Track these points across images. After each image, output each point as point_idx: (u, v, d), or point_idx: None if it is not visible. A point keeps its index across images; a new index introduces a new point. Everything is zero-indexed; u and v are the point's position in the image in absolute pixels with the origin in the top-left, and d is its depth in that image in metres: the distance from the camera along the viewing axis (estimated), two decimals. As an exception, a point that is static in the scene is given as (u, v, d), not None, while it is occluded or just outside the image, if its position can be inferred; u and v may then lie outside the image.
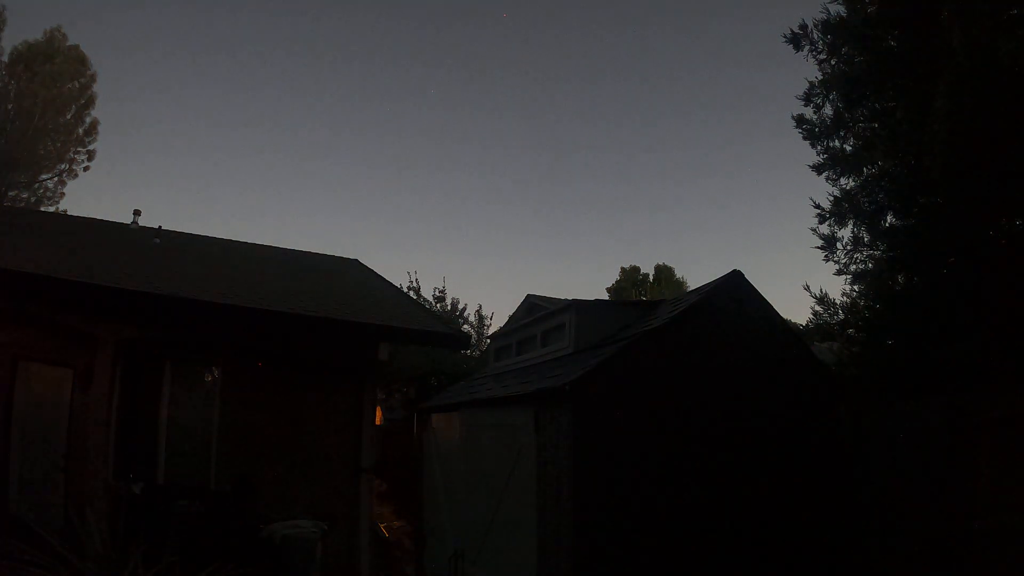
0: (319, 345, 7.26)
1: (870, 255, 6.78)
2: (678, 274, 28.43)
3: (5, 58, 18.82)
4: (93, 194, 35.37)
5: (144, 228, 10.16)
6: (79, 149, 20.45)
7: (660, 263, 28.74)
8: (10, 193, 19.26)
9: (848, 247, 6.86)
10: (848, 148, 6.86)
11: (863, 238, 6.75)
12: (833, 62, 6.64)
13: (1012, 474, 3.46)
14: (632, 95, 37.47)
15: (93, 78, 20.38)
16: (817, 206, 6.96)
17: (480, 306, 26.05)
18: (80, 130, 20.39)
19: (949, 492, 3.74)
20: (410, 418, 14.86)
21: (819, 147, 7.04)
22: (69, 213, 16.20)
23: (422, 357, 14.60)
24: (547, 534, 3.68)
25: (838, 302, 7.23)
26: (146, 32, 29.88)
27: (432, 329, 7.61)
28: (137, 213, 10.39)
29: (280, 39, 31.27)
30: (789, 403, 4.14)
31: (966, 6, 3.98)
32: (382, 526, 11.47)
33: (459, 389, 6.77)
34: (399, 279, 20.98)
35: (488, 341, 10.64)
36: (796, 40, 6.62)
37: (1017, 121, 4.29)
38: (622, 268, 29.41)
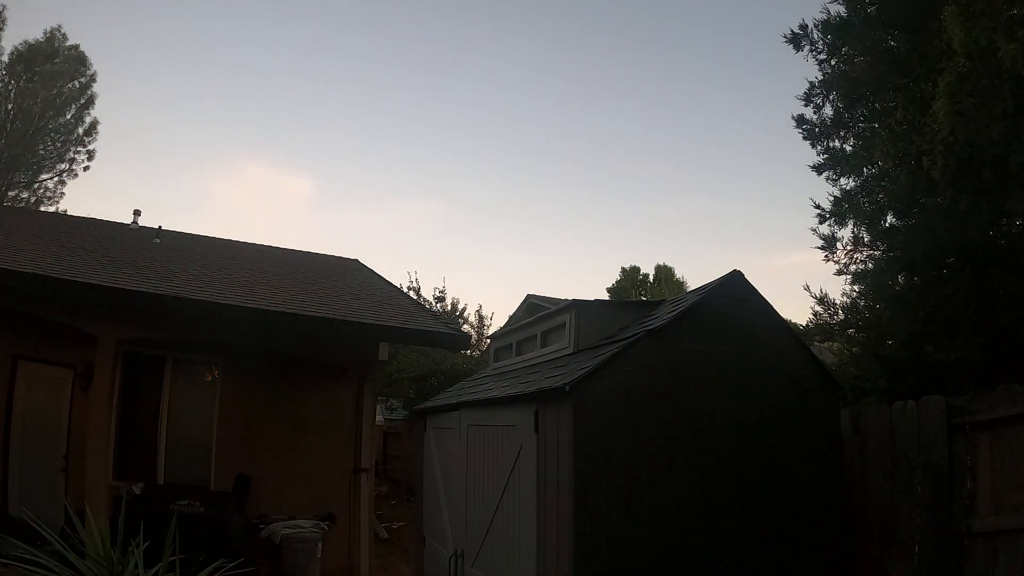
0: (319, 345, 7.27)
1: (870, 255, 6.78)
2: (678, 274, 28.49)
3: (5, 58, 18.83)
4: (93, 194, 35.33)
5: (144, 228, 10.18)
6: (79, 149, 20.45)
7: (660, 263, 28.81)
8: (10, 193, 19.26)
9: (848, 247, 6.86)
10: (848, 148, 6.86)
11: (863, 238, 6.75)
12: (833, 62, 6.64)
13: (1012, 474, 3.46)
14: (632, 95, 37.50)
15: (93, 78, 20.39)
16: (817, 206, 6.96)
17: (480, 306, 26.13)
18: (80, 130, 20.39)
19: (949, 492, 3.74)
20: (410, 418, 14.88)
21: (819, 147, 7.03)
22: (69, 213, 16.19)
23: (422, 357, 14.62)
24: (546, 535, 3.68)
25: (838, 302, 7.23)
26: (146, 32, 29.90)
27: (432, 329, 7.63)
28: (137, 213, 10.43)
29: (279, 37, 31.30)
30: (789, 403, 4.13)
31: (966, 6, 3.98)
32: (382, 526, 11.48)
33: (459, 389, 6.77)
34: (399, 279, 21.05)
35: (488, 341, 10.64)
36: (796, 40, 6.62)
37: (1017, 122, 4.29)
38: (622, 268, 29.47)
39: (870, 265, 6.76)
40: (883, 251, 6.57)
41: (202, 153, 34.54)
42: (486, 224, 45.22)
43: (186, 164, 34.64)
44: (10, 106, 18.83)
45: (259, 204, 37.94)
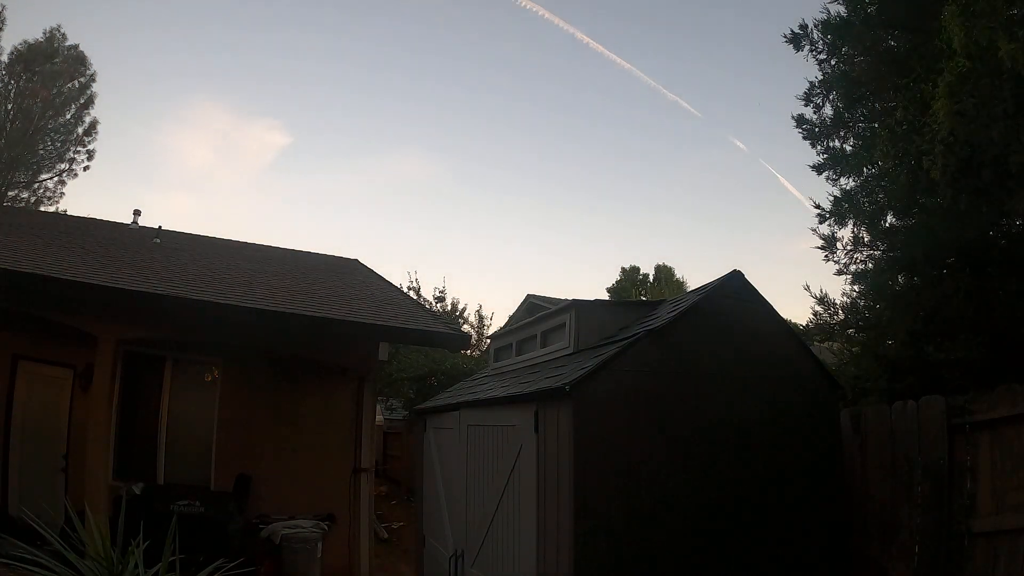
0: (319, 345, 7.26)
1: (870, 255, 6.78)
2: (678, 274, 28.52)
3: (5, 58, 18.85)
4: (93, 194, 35.22)
5: (144, 228, 10.17)
6: (79, 149, 20.48)
7: (660, 263, 28.84)
8: (10, 193, 19.27)
9: (848, 247, 6.86)
10: (848, 148, 6.86)
11: (863, 238, 6.75)
12: (833, 62, 6.63)
13: (1012, 474, 3.46)
14: (632, 94, 37.50)
15: (93, 78, 20.42)
16: (817, 206, 6.96)
17: (480, 306, 26.16)
18: (80, 130, 20.42)
19: (949, 492, 3.74)
20: (410, 418, 14.89)
21: (819, 147, 7.03)
22: (69, 213, 16.19)
23: (422, 357, 14.62)
24: (546, 534, 3.68)
25: (838, 302, 7.24)
26: (146, 31, 29.88)
27: (432, 329, 7.62)
28: (137, 213, 10.43)
29: (278, 37, 31.29)
30: (789, 402, 4.13)
31: (966, 6, 3.98)
32: (382, 526, 11.48)
33: (459, 389, 6.77)
34: (399, 279, 21.08)
35: (488, 341, 10.64)
36: (796, 40, 6.61)
37: (1017, 122, 4.29)
38: (622, 268, 29.51)
39: (870, 265, 6.76)
40: (883, 251, 6.57)
41: (202, 152, 34.24)
42: (486, 224, 45.25)
43: (186, 164, 34.39)
44: (10, 106, 18.85)
45: (259, 204, 37.51)
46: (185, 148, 32.39)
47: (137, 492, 6.57)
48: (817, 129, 6.96)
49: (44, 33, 19.69)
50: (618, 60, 34.56)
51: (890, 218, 6.53)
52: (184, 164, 33.53)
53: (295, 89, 33.58)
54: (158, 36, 30.54)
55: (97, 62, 20.59)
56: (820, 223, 6.96)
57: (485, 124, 39.10)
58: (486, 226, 44.40)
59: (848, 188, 6.83)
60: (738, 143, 37.95)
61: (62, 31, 19.96)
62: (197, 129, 32.54)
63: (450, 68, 33.95)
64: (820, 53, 6.60)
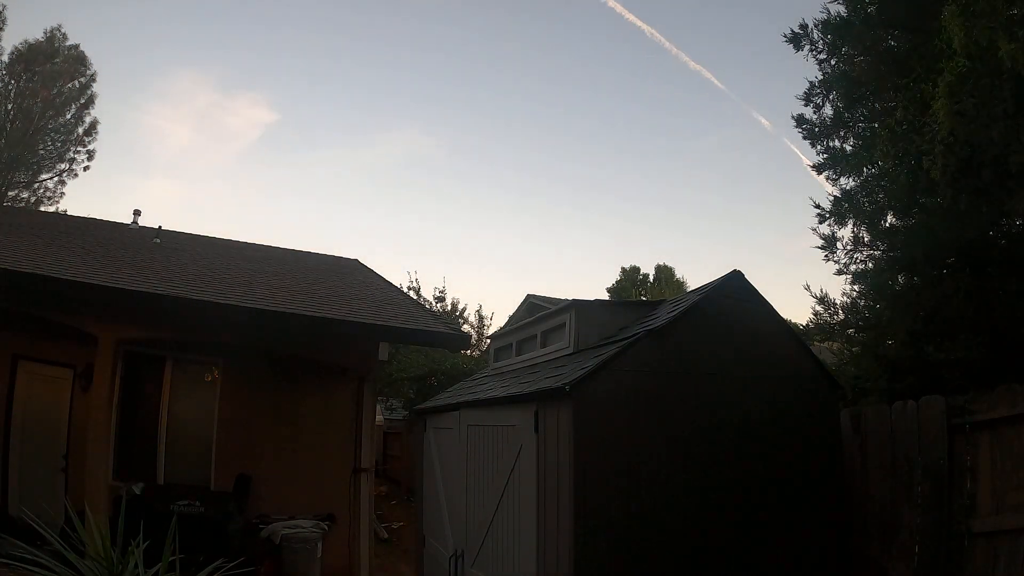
0: (319, 345, 7.26)
1: (870, 255, 6.79)
2: (678, 274, 28.54)
3: (5, 58, 18.83)
4: (93, 194, 35.15)
5: (144, 228, 10.17)
6: (79, 149, 20.47)
7: (660, 263, 28.86)
8: (10, 193, 19.26)
9: (848, 247, 6.87)
10: (848, 148, 6.86)
11: (863, 238, 6.75)
12: (833, 62, 6.64)
13: (1012, 474, 3.46)
14: (633, 94, 37.50)
15: (93, 78, 20.41)
16: (817, 206, 6.97)
17: (480, 306, 26.21)
18: (80, 130, 20.40)
19: (949, 492, 3.74)
20: (410, 418, 14.89)
21: (819, 147, 7.04)
22: (69, 213, 16.18)
23: (422, 357, 14.63)
24: (547, 534, 3.68)
25: (838, 302, 7.24)
26: (146, 31, 29.83)
27: (432, 329, 7.62)
28: (137, 213, 10.43)
29: (278, 37, 31.26)
30: (789, 402, 4.13)
31: (966, 6, 3.98)
32: (382, 526, 11.48)
33: (459, 389, 6.77)
34: (399, 279, 21.11)
35: (488, 341, 10.64)
36: (796, 40, 6.62)
37: (1017, 122, 4.29)
38: (622, 268, 29.53)
39: (870, 265, 6.77)
40: (883, 251, 6.57)
41: (202, 152, 34.16)
42: (486, 224, 45.27)
43: (186, 164, 34.31)
44: (10, 106, 18.84)
45: (259, 204, 37.38)
46: (172, 129, 31.89)
47: (137, 492, 6.57)
48: (817, 129, 6.96)
49: (44, 33, 19.68)
50: (638, 21, 33.96)
51: (890, 218, 6.53)
52: (173, 147, 33.08)
53: (286, 74, 33.27)
54: (144, 15, 30.13)
55: (92, 54, 20.46)
56: (820, 223, 6.97)
57: (483, 123, 39.11)
58: (486, 225, 44.44)
59: (848, 188, 6.84)
60: (762, 120, 36.98)
61: (62, 31, 19.95)
62: (182, 109, 32.06)
63: (447, 57, 33.93)
64: (820, 53, 6.61)
